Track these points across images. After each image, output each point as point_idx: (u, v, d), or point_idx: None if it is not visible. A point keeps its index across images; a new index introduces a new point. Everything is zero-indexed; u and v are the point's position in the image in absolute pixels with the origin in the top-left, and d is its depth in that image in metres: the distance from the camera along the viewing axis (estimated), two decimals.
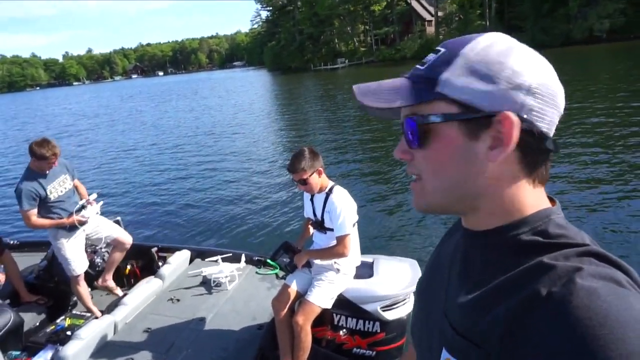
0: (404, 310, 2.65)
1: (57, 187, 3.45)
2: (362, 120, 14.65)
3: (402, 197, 6.87)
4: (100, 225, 3.77)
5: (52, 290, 3.95)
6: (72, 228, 3.51)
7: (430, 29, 56.30)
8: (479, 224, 0.65)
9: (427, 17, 57.87)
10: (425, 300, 0.77)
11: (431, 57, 0.64)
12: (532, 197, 0.62)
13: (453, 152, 0.60)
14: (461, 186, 0.62)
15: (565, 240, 0.57)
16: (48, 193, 3.36)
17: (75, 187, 3.71)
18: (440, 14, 54.47)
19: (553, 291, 0.49)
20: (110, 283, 3.87)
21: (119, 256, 3.87)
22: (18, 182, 3.34)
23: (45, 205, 3.38)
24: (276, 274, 3.58)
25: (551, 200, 0.65)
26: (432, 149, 0.62)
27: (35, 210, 3.33)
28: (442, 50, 0.63)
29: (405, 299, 2.65)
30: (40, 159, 3.29)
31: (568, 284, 0.49)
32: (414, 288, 2.76)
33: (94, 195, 3.74)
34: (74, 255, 3.53)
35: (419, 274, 2.76)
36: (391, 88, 0.64)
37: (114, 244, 3.86)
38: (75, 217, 3.44)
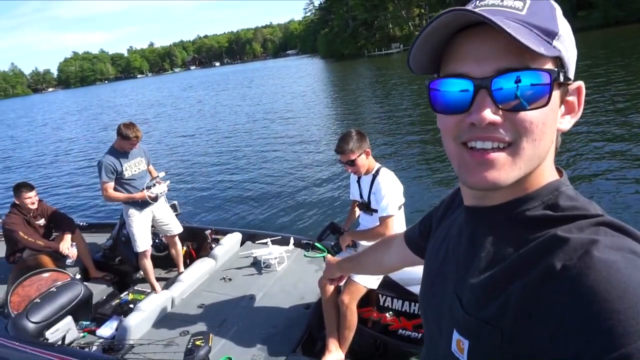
0: None
1: (133, 166, 3.79)
2: (411, 105, 14.39)
3: (450, 179, 6.65)
4: (166, 217, 4.07)
5: (116, 268, 4.30)
6: (142, 205, 3.83)
7: None
8: (494, 198, 0.60)
9: None
10: (435, 280, 0.73)
11: (523, 4, 0.54)
12: (549, 168, 0.60)
13: (554, 117, 0.55)
14: (542, 157, 0.56)
15: (578, 212, 0.54)
16: (124, 170, 3.71)
17: (149, 172, 4.04)
18: None
19: (569, 265, 0.47)
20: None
21: (178, 248, 4.17)
22: (101, 157, 3.72)
23: (119, 181, 3.72)
24: (323, 257, 3.61)
25: (558, 170, 0.62)
26: (544, 111, 0.53)
27: (111, 184, 3.69)
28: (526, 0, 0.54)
29: None
30: (124, 138, 3.67)
31: (584, 256, 0.47)
32: None
33: (162, 174, 4.08)
34: (140, 232, 3.84)
35: None
36: (518, 29, 0.51)
37: (170, 242, 4.15)
38: (146, 192, 3.76)
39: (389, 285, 2.64)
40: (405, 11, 61.66)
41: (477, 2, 0.56)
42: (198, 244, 4.42)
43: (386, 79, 25.81)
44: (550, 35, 0.52)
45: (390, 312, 2.64)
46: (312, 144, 11.12)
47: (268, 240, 3.80)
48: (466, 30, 0.54)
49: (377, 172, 2.65)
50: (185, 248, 4.33)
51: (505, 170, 0.54)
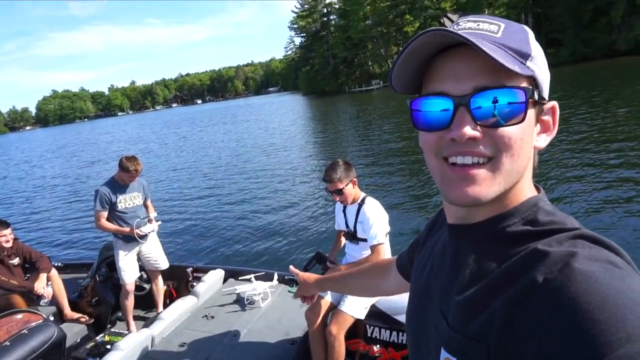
0: None
1: (128, 199, 3.83)
2: (392, 137, 14.65)
3: (431, 207, 6.72)
4: (155, 252, 4.02)
5: (93, 309, 4.12)
6: (130, 239, 3.81)
7: None
8: (475, 215, 0.61)
9: None
10: (420, 300, 0.73)
11: (498, 27, 0.57)
12: (528, 184, 0.62)
13: (530, 135, 0.57)
14: (521, 173, 0.58)
15: (556, 227, 0.56)
16: (118, 201, 3.75)
17: (146, 207, 4.05)
18: None
19: (550, 278, 0.48)
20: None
21: (160, 284, 4.11)
22: (100, 186, 3.79)
23: (112, 212, 3.75)
24: None
25: (536, 187, 0.64)
26: (520, 127, 0.55)
27: (104, 213, 3.73)
28: (501, 24, 0.58)
29: None
30: (124, 170, 3.72)
31: (565, 269, 0.48)
32: None
33: (155, 214, 4.05)
34: (127, 264, 3.81)
35: None
36: (495, 50, 0.53)
37: (153, 276, 4.08)
38: (135, 229, 3.74)
39: (376, 315, 2.59)
40: (383, 49, 63.84)
41: (455, 26, 0.59)
42: (178, 282, 4.31)
43: (367, 113, 26.37)
44: (523, 56, 0.55)
45: (378, 345, 2.58)
46: (295, 178, 11.15)
47: (251, 276, 3.74)
48: (445, 51, 0.56)
49: (363, 201, 2.68)
50: (165, 287, 4.21)
51: (485, 185, 0.55)
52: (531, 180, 0.62)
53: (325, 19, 73.58)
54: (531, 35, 0.59)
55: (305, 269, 2.98)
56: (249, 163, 14.35)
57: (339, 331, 2.50)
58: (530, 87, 0.55)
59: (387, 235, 2.64)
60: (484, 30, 0.56)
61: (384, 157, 11.80)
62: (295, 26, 79.72)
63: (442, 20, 58.28)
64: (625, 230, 5.11)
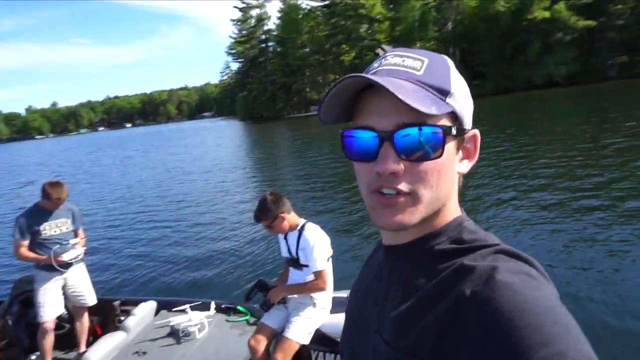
0: None
1: (54, 227, 3.54)
2: (332, 160, 14.90)
3: (370, 230, 6.85)
4: (81, 286, 3.71)
5: (2, 354, 3.69)
6: (52, 270, 3.48)
7: None
8: (406, 236, 0.66)
9: None
10: (357, 322, 0.75)
11: (421, 64, 0.62)
12: (454, 206, 0.67)
13: (451, 164, 0.63)
14: (443, 199, 0.63)
15: (479, 243, 0.61)
16: (41, 229, 3.47)
17: (77, 236, 3.75)
18: None
19: (476, 290, 0.53)
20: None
21: (85, 321, 3.78)
22: (20, 213, 3.53)
23: (35, 240, 3.47)
24: (247, 320, 3.45)
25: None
26: (440, 161, 0.60)
27: (24, 242, 3.43)
28: (424, 59, 0.62)
29: None
30: (45, 197, 3.48)
31: (489, 281, 0.53)
32: None
33: (76, 240, 3.72)
34: (47, 299, 3.47)
35: None
36: (413, 90, 0.58)
37: (77, 313, 3.74)
38: (55, 257, 3.44)
39: (321, 339, 2.56)
40: (321, 77, 65.60)
41: (383, 60, 0.64)
42: (104, 318, 3.95)
43: (305, 139, 26.71)
44: (443, 93, 0.60)
45: None
46: (233, 203, 10.90)
47: (187, 306, 3.54)
48: (373, 87, 0.60)
49: (303, 227, 2.67)
50: (88, 324, 3.85)
51: (408, 213, 0.60)
52: (457, 202, 0.67)
53: (264, 45, 74.30)
54: (452, 69, 0.64)
55: (247, 299, 2.89)
56: (183, 188, 13.84)
57: (284, 358, 2.44)
58: (449, 123, 0.61)
59: (330, 259, 2.64)
60: (407, 67, 0.61)
61: (323, 181, 11.94)
62: (233, 51, 79.59)
63: (377, 51, 61.12)
64: (538, 245, 5.58)
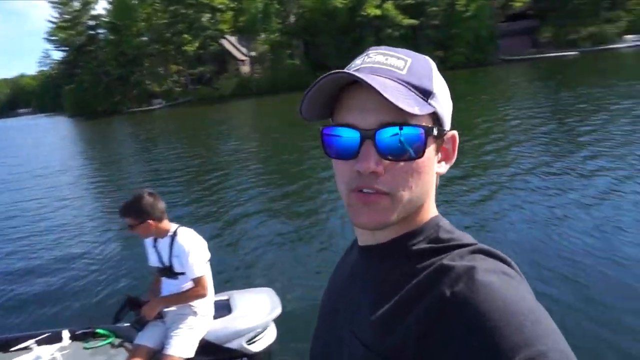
0: (269, 338, 2.65)
1: None
2: (179, 156, 14.25)
3: (244, 228, 6.85)
4: None
5: None
6: None
7: (245, 68, 58.65)
8: (383, 236, 0.66)
9: (240, 57, 60.21)
10: (330, 324, 0.75)
11: (404, 63, 0.61)
12: (431, 206, 0.68)
13: (431, 165, 0.63)
14: (422, 199, 0.64)
15: (456, 242, 0.63)
16: None
17: None
18: (253, 53, 57.31)
19: (456, 291, 0.54)
20: None
21: None
22: None
23: None
24: (110, 342, 3.09)
25: None
26: (420, 161, 0.60)
27: None
28: (407, 58, 0.62)
29: (268, 327, 2.66)
30: None
31: (468, 282, 0.54)
32: (274, 315, 2.79)
33: None
34: None
35: (277, 301, 2.78)
36: (397, 89, 0.58)
37: None
38: None
39: (206, 349, 2.49)
40: (162, 68, 61.36)
41: (366, 57, 0.64)
42: None
43: (149, 134, 24.75)
44: (425, 93, 0.60)
45: None
46: (77, 209, 9.61)
47: (30, 342, 3.02)
48: (355, 83, 0.60)
49: (175, 233, 2.52)
50: None
51: (386, 212, 0.60)
52: (434, 202, 0.69)
53: (93, 32, 66.04)
54: (434, 69, 0.65)
55: (116, 320, 2.62)
56: (8, 198, 11.67)
57: None
58: (430, 124, 0.61)
59: (208, 263, 2.57)
60: (391, 65, 0.61)
61: (177, 178, 11.33)
62: (54, 38, 68.83)
63: (220, 42, 59.90)
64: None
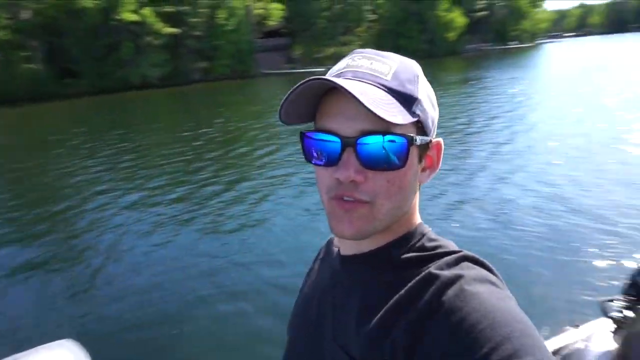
0: None
1: None
2: None
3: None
4: None
5: None
6: None
7: None
8: (367, 245, 0.65)
9: None
10: (307, 335, 0.72)
11: (389, 68, 0.59)
12: (416, 214, 0.68)
13: (413, 174, 0.62)
14: (403, 209, 0.63)
15: (442, 250, 0.63)
16: None
17: None
18: None
19: (445, 300, 0.54)
20: None
21: None
22: None
23: None
24: None
25: None
26: (402, 170, 0.59)
27: None
28: (392, 64, 0.60)
29: None
30: None
31: (457, 291, 0.54)
32: None
33: None
34: None
35: (82, 356, 2.26)
36: (379, 97, 0.55)
37: None
38: None
39: None
40: None
41: (350, 60, 0.62)
42: None
43: None
44: (410, 100, 0.59)
45: None
46: None
47: None
48: (337, 89, 0.56)
49: None
50: None
51: (366, 221, 0.59)
52: (417, 210, 0.68)
53: None
54: (421, 75, 0.63)
55: None
56: None
57: None
58: (415, 132, 0.60)
59: None
60: (375, 70, 0.59)
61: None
62: None
63: None
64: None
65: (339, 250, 0.72)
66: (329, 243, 0.80)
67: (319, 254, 0.83)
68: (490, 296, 0.53)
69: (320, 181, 0.63)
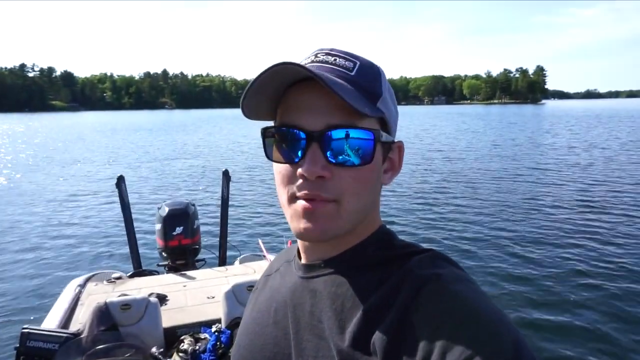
0: None
1: None
2: None
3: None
4: None
5: None
6: None
7: None
8: (333, 250, 0.62)
9: None
10: (268, 353, 0.64)
11: (353, 65, 0.58)
12: (377, 215, 0.66)
13: (378, 173, 0.59)
14: (368, 209, 0.60)
15: (412, 249, 0.60)
16: None
17: None
18: None
19: (422, 301, 0.50)
20: None
21: None
22: None
23: None
24: None
25: None
26: (368, 167, 0.56)
27: None
28: (356, 61, 0.59)
29: None
30: None
31: (438, 289, 0.51)
32: None
33: None
34: None
35: None
36: (348, 88, 0.54)
37: None
38: None
39: None
40: None
41: (313, 57, 0.60)
42: None
43: None
44: (374, 96, 0.58)
45: None
46: None
47: None
48: (302, 82, 0.55)
49: None
50: None
51: (332, 220, 0.56)
52: (379, 212, 0.66)
53: None
54: (383, 74, 0.62)
55: None
56: None
57: None
58: (379, 128, 0.58)
59: None
60: (339, 66, 0.58)
61: None
62: None
63: None
64: None
65: (298, 261, 0.67)
66: (273, 262, 0.79)
67: (260, 278, 0.79)
68: (470, 294, 0.51)
69: (281, 180, 0.59)
